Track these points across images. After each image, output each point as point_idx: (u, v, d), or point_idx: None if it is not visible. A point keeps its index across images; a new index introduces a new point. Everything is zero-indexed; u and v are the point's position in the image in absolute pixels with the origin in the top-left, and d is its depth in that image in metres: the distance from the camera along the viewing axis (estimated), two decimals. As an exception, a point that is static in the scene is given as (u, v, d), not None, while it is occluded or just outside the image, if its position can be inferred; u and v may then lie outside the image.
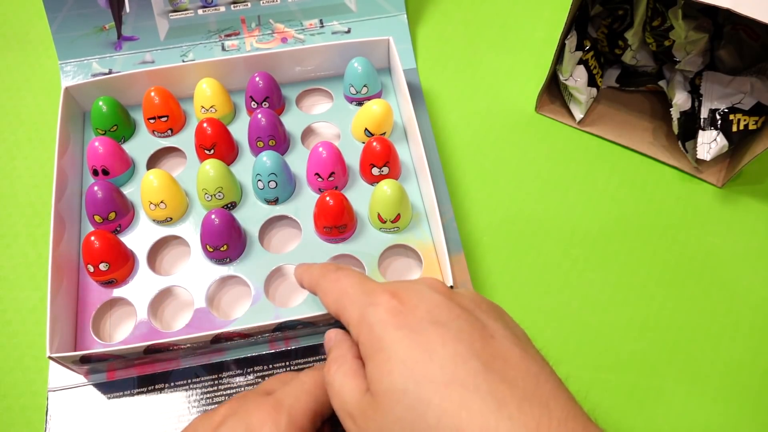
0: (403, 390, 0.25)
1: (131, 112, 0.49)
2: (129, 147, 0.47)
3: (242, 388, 0.39)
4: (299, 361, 0.40)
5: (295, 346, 0.41)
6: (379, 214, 0.42)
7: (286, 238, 0.45)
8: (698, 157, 0.45)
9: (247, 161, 0.47)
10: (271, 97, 0.47)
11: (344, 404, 0.27)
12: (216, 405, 0.39)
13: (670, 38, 0.45)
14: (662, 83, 0.48)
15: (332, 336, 0.32)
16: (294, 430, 0.27)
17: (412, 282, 0.29)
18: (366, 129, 0.47)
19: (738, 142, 0.45)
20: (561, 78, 0.48)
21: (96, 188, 0.42)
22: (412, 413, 0.24)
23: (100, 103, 0.46)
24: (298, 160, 0.46)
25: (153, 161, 0.48)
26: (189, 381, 0.40)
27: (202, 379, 0.40)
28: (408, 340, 0.25)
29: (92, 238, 0.40)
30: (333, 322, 0.39)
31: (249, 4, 0.52)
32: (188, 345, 0.38)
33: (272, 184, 0.43)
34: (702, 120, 0.45)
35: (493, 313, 0.28)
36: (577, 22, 0.46)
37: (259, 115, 0.45)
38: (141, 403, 0.39)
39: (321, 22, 0.54)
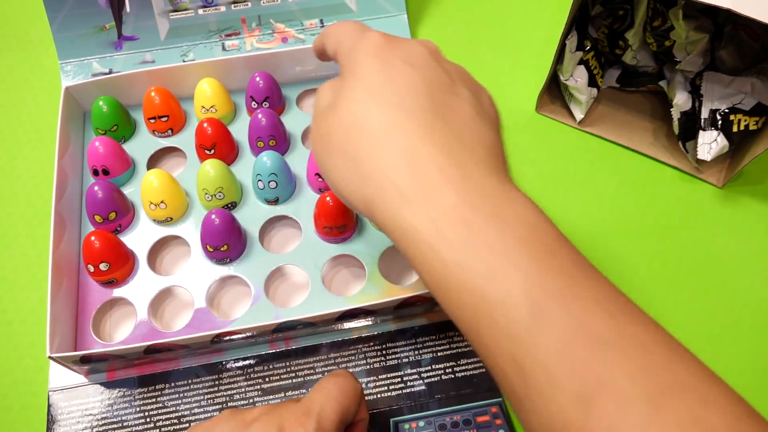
0: (357, 100, 0.28)
1: (131, 112, 0.49)
2: (129, 147, 0.47)
3: (242, 389, 0.39)
4: (299, 361, 0.40)
5: (295, 346, 0.41)
6: (379, 214, 0.42)
7: (286, 238, 0.45)
8: (699, 157, 0.45)
9: (247, 161, 0.47)
10: (271, 97, 0.47)
11: (316, 107, 0.31)
12: (216, 405, 0.39)
13: (670, 38, 0.45)
14: (663, 83, 0.48)
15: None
16: None
17: (408, 39, 0.30)
18: (366, 129, 0.47)
19: (738, 143, 0.45)
20: (561, 78, 0.48)
21: (96, 188, 0.42)
22: (356, 122, 0.27)
23: (101, 102, 0.46)
24: (298, 160, 0.46)
25: (153, 161, 0.48)
26: (189, 381, 0.40)
27: (202, 379, 0.40)
28: (377, 67, 0.28)
29: (92, 238, 0.40)
30: (333, 321, 0.39)
31: (249, 3, 0.52)
32: (188, 345, 0.38)
33: (272, 184, 0.43)
34: (702, 120, 0.45)
35: (471, 87, 0.30)
36: (578, 22, 0.46)
37: (260, 115, 0.45)
38: (141, 403, 0.39)
39: (321, 22, 0.54)
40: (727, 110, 0.44)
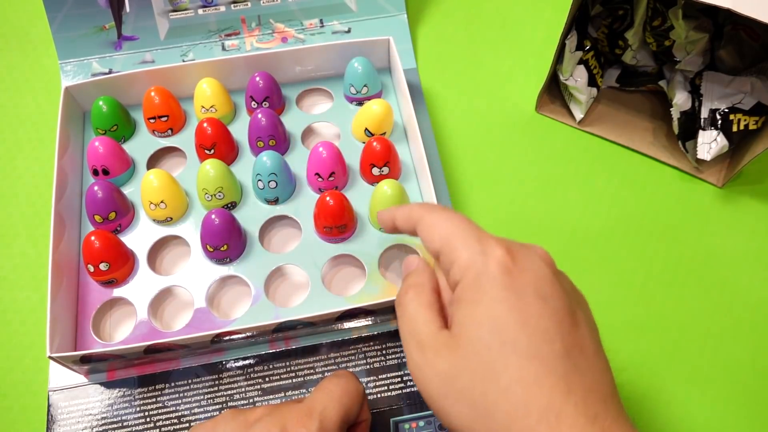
0: (487, 345, 0.26)
1: (131, 112, 0.49)
2: (129, 147, 0.47)
3: (242, 389, 0.39)
4: (299, 361, 0.40)
5: (295, 346, 0.41)
6: (379, 214, 0.42)
7: (286, 238, 0.45)
8: (698, 157, 0.45)
9: (247, 161, 0.47)
10: (271, 96, 0.47)
11: (416, 332, 0.28)
12: (216, 405, 0.39)
13: (670, 38, 0.45)
14: (662, 83, 0.48)
15: (414, 261, 0.32)
16: None
17: (525, 246, 0.29)
18: (366, 129, 0.47)
19: (738, 142, 0.45)
20: (561, 78, 0.48)
21: (96, 188, 0.42)
22: (487, 370, 0.25)
23: (100, 102, 0.46)
24: (298, 160, 0.46)
25: (153, 161, 0.48)
26: (189, 381, 0.40)
27: (202, 379, 0.40)
28: (508, 303, 0.26)
29: (92, 237, 0.40)
30: (333, 321, 0.39)
31: (249, 3, 0.52)
32: (188, 345, 0.38)
33: (272, 184, 0.43)
34: (702, 120, 0.45)
35: (582, 302, 0.29)
36: (578, 22, 0.46)
37: (259, 115, 0.45)
38: (141, 403, 0.39)
39: (321, 21, 0.54)
40: (726, 110, 0.44)
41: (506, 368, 0.25)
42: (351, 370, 0.40)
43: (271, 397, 0.39)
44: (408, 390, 0.39)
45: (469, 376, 0.26)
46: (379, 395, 0.39)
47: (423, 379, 0.27)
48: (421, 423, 0.38)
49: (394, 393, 0.39)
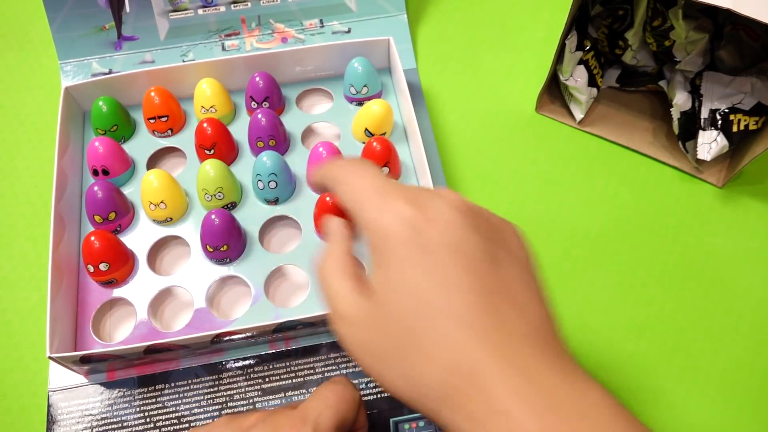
0: (405, 310, 0.24)
1: (131, 112, 0.49)
2: (129, 147, 0.47)
3: (242, 389, 0.39)
4: (299, 361, 0.40)
5: (295, 346, 0.41)
6: (379, 214, 0.42)
7: (286, 238, 0.45)
8: (698, 157, 0.45)
9: (247, 161, 0.47)
10: (271, 97, 0.47)
11: (338, 306, 0.26)
12: (216, 405, 0.39)
13: (670, 38, 0.45)
14: (662, 83, 0.48)
15: (332, 225, 0.30)
16: None
17: (432, 193, 0.27)
18: (366, 129, 0.47)
19: (738, 143, 0.45)
20: (561, 78, 0.48)
21: (96, 188, 0.42)
22: (410, 338, 0.24)
23: (100, 103, 0.46)
24: (298, 160, 0.46)
25: (153, 161, 0.48)
26: (189, 381, 0.40)
27: (202, 379, 0.40)
28: (418, 261, 0.24)
29: (92, 238, 0.40)
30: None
31: (249, 3, 0.52)
32: (188, 345, 0.38)
33: (272, 184, 0.43)
34: (702, 120, 0.45)
35: (509, 238, 0.28)
36: (578, 22, 0.46)
37: (259, 115, 0.45)
38: (141, 403, 0.39)
39: (321, 22, 0.54)
40: (726, 110, 0.44)
41: (426, 332, 0.24)
42: (351, 370, 0.40)
43: (271, 397, 0.39)
44: (408, 390, 0.39)
45: (395, 346, 0.24)
46: (378, 396, 0.39)
47: (354, 353, 0.26)
48: (421, 423, 0.38)
49: (394, 393, 0.39)
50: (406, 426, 0.38)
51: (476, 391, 0.22)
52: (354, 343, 0.26)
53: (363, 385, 0.39)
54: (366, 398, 0.39)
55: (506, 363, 0.22)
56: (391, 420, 0.38)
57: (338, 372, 0.40)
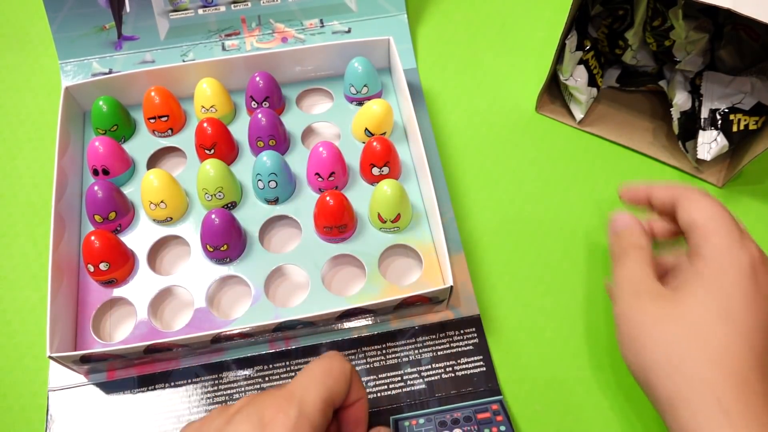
0: (708, 316, 0.30)
1: (131, 112, 0.49)
2: (129, 147, 0.47)
3: (242, 388, 0.39)
4: (299, 361, 0.40)
5: (295, 346, 0.41)
6: (379, 214, 0.42)
7: (286, 238, 0.45)
8: (698, 157, 0.45)
9: (247, 161, 0.47)
10: (271, 96, 0.47)
11: (634, 281, 0.33)
12: (216, 405, 0.39)
13: (670, 38, 0.45)
14: (662, 83, 0.48)
15: (625, 218, 0.36)
16: (304, 421, 0.27)
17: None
18: (366, 129, 0.47)
19: (738, 142, 0.45)
20: (561, 78, 0.48)
21: (96, 188, 0.42)
22: (699, 336, 0.30)
23: (101, 102, 0.46)
24: (298, 160, 0.46)
25: (153, 161, 0.48)
26: (189, 381, 0.40)
27: (202, 379, 0.40)
28: (746, 292, 0.30)
29: (92, 237, 0.40)
30: (333, 321, 0.39)
31: (249, 3, 0.52)
32: (188, 345, 0.38)
33: (272, 184, 0.43)
34: (702, 120, 0.45)
35: None
36: (578, 22, 0.46)
37: (260, 115, 0.45)
38: (141, 403, 0.39)
39: (321, 21, 0.54)
40: (726, 110, 0.44)
41: (715, 336, 0.29)
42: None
43: (271, 397, 0.39)
44: (408, 389, 0.39)
45: (679, 331, 0.30)
46: (378, 394, 0.39)
47: (627, 321, 0.32)
48: (422, 420, 0.38)
49: (393, 392, 0.39)
50: (406, 423, 0.38)
51: (739, 401, 0.28)
52: (636, 315, 0.32)
53: (363, 382, 0.39)
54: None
55: (757, 408, 0.28)
56: (391, 418, 0.38)
57: (338, 372, 0.40)
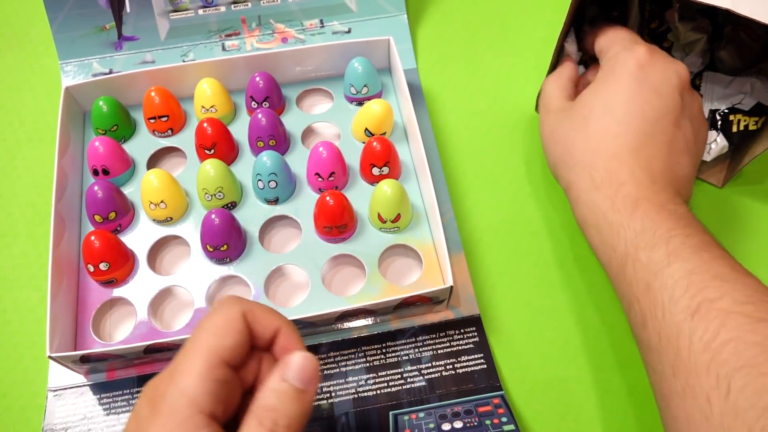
0: (591, 107, 0.37)
1: (132, 112, 0.49)
2: (129, 147, 0.47)
3: (242, 388, 0.39)
4: (299, 360, 0.40)
5: (295, 345, 0.41)
6: (379, 214, 0.42)
7: (286, 238, 0.45)
8: (698, 157, 0.45)
9: (247, 161, 0.47)
10: (271, 97, 0.47)
11: (546, 103, 0.42)
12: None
13: (668, 39, 0.45)
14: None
15: (567, 60, 0.44)
16: (180, 397, 0.24)
17: (669, 57, 0.38)
18: (366, 129, 0.47)
19: (738, 143, 0.45)
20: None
21: (96, 188, 0.42)
22: (582, 123, 0.37)
23: (101, 102, 0.46)
24: (298, 160, 0.47)
25: (153, 161, 0.48)
26: (189, 381, 0.40)
27: (202, 378, 0.40)
28: (626, 84, 0.36)
29: (92, 237, 0.40)
30: (333, 321, 0.39)
31: (249, 4, 0.52)
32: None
33: (272, 184, 0.43)
34: (702, 120, 0.45)
35: (697, 125, 0.38)
36: (577, 24, 0.46)
37: (260, 115, 0.45)
38: (141, 402, 0.39)
39: (321, 22, 0.54)
40: (726, 110, 0.44)
41: (596, 122, 0.36)
42: (350, 368, 0.40)
43: (271, 396, 0.39)
44: (408, 386, 0.39)
45: (569, 124, 0.38)
46: (378, 391, 0.39)
47: (542, 132, 0.41)
48: (421, 414, 0.38)
49: (393, 389, 0.39)
50: (406, 417, 0.38)
51: (606, 170, 0.35)
52: (545, 127, 0.41)
53: (363, 382, 0.39)
54: (365, 394, 0.39)
55: (642, 170, 0.35)
56: (391, 413, 0.38)
57: (337, 370, 0.40)
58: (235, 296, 0.28)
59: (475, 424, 0.37)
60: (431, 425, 0.37)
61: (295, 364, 0.26)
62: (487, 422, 0.37)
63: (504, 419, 0.37)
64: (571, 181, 0.38)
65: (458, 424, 0.37)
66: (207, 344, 0.26)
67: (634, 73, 0.36)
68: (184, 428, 0.24)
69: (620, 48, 0.38)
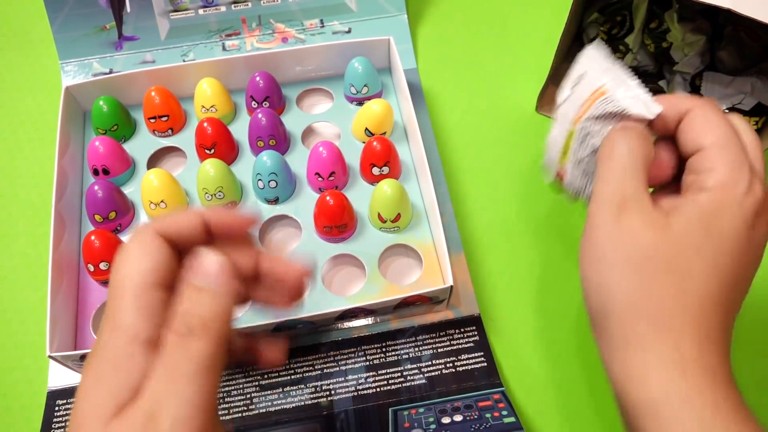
0: (698, 248, 0.27)
1: (132, 112, 0.49)
2: (129, 146, 0.47)
3: (240, 385, 0.39)
4: (298, 358, 0.40)
5: (295, 345, 0.41)
6: (379, 214, 0.42)
7: (286, 238, 0.45)
8: (698, 157, 0.45)
9: (247, 161, 0.47)
10: (271, 96, 0.47)
11: (621, 188, 0.28)
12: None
13: (667, 40, 0.45)
14: (662, 83, 0.48)
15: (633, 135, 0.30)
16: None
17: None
18: (366, 129, 0.47)
19: (738, 142, 0.45)
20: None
21: (96, 188, 0.42)
22: (681, 267, 0.27)
23: (101, 102, 0.46)
24: (298, 160, 0.47)
25: (153, 161, 0.48)
26: (189, 380, 0.40)
27: (202, 378, 0.40)
28: (736, 247, 0.27)
29: (92, 237, 0.40)
30: (333, 321, 0.39)
31: (249, 3, 0.52)
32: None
33: (272, 184, 0.43)
34: (702, 120, 0.45)
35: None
36: (578, 25, 0.46)
37: (260, 115, 0.45)
38: (141, 402, 0.39)
39: (321, 22, 0.54)
40: (727, 110, 0.44)
41: (695, 285, 0.27)
42: (350, 367, 0.40)
43: (269, 392, 0.39)
44: (408, 384, 0.39)
45: (669, 263, 0.27)
46: (378, 389, 0.39)
47: (600, 235, 0.28)
48: (421, 409, 0.38)
49: (393, 387, 0.39)
50: (405, 412, 0.38)
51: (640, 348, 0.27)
52: (613, 232, 0.28)
53: (362, 380, 0.39)
54: (364, 392, 0.39)
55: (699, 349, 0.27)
56: (390, 409, 0.38)
57: (337, 368, 0.40)
58: (148, 222, 0.27)
59: (475, 417, 0.37)
60: (431, 419, 0.37)
61: (196, 266, 0.25)
62: (488, 416, 0.37)
63: (504, 412, 0.37)
64: (635, 333, 0.28)
65: (458, 418, 0.37)
66: (124, 276, 0.25)
67: (750, 224, 0.27)
68: (117, 356, 0.23)
69: (737, 177, 0.27)
